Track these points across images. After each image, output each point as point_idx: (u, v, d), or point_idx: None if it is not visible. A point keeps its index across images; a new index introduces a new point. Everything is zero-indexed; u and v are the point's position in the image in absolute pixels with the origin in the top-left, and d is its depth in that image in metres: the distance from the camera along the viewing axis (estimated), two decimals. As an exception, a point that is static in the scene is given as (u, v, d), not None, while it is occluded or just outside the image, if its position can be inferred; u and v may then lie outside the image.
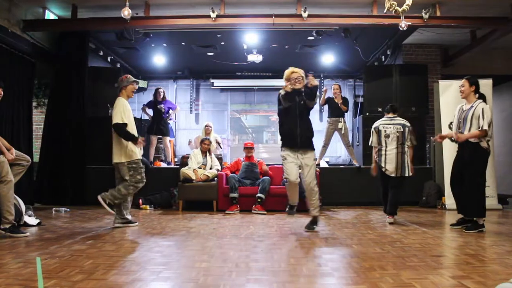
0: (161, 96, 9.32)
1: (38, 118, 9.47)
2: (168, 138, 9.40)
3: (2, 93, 4.76)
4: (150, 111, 9.49)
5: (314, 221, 5.07)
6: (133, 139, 5.19)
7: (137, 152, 5.26)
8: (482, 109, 4.88)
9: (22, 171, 4.85)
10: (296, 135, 4.89)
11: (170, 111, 9.49)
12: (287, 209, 5.31)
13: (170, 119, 9.64)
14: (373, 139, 5.91)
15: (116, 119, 5.14)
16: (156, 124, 9.18)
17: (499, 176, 8.44)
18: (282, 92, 4.91)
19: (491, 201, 7.32)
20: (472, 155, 4.88)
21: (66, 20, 7.69)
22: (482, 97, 5.10)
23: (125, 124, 5.16)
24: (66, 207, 6.93)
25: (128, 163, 5.16)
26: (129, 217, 5.38)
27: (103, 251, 3.79)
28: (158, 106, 9.19)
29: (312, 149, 5.04)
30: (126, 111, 5.23)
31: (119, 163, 5.17)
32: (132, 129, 5.26)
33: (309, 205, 5.05)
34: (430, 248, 3.91)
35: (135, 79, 5.45)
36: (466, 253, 3.70)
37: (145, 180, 5.34)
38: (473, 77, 5.16)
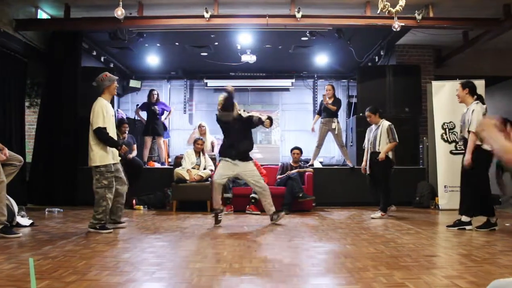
0: (155, 98, 9.32)
1: (31, 118, 9.41)
2: (162, 139, 9.38)
3: None
4: (143, 114, 9.49)
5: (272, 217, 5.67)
6: (116, 146, 5.10)
7: (111, 157, 5.07)
8: (473, 110, 4.91)
9: (14, 171, 4.79)
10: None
11: (165, 112, 9.49)
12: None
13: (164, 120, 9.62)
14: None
15: (98, 122, 4.96)
16: (151, 125, 9.19)
17: (492, 176, 8.48)
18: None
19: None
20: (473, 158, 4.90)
21: (59, 20, 7.64)
22: (480, 98, 5.11)
23: (105, 128, 5.00)
24: (59, 207, 6.88)
25: (96, 167, 4.96)
26: (120, 219, 5.31)
27: (96, 251, 3.77)
28: (152, 108, 9.19)
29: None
30: (106, 113, 5.06)
31: (91, 166, 5.04)
32: (113, 132, 5.16)
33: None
34: (423, 248, 3.93)
35: (116, 77, 5.33)
36: (459, 253, 3.73)
37: (112, 186, 5.04)
38: (467, 81, 5.17)
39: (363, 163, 6.54)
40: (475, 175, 4.94)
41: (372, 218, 6.15)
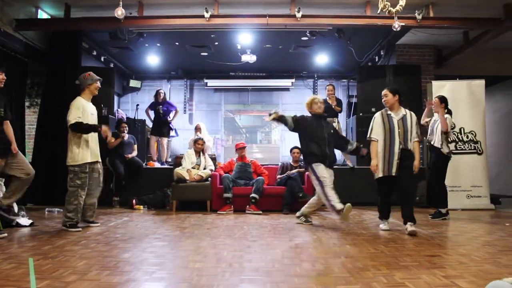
0: (161, 98, 9.35)
1: (31, 118, 9.41)
2: (166, 139, 9.45)
3: (5, 77, 4.83)
4: (151, 113, 9.54)
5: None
6: (93, 129, 5.15)
7: (88, 156, 5.14)
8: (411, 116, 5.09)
9: (17, 186, 4.96)
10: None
11: (171, 112, 9.54)
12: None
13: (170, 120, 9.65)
14: None
15: (71, 119, 5.03)
16: (157, 125, 9.24)
17: (492, 176, 8.50)
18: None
19: (483, 201, 7.39)
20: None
21: (59, 20, 7.65)
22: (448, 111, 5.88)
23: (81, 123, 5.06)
24: (59, 207, 6.88)
25: (71, 166, 5.07)
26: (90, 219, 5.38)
27: (96, 251, 3.77)
28: (158, 108, 9.22)
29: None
30: (84, 111, 5.11)
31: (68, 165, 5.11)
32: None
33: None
34: (423, 248, 3.93)
35: (99, 77, 5.35)
36: (459, 253, 3.72)
37: (86, 186, 5.14)
38: (395, 88, 5.21)
39: (377, 162, 4.97)
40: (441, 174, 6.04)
41: (411, 234, 4.71)
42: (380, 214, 5.23)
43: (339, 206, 5.18)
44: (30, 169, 5.04)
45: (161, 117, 9.23)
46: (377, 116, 5.13)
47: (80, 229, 4.97)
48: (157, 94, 9.38)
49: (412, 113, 5.09)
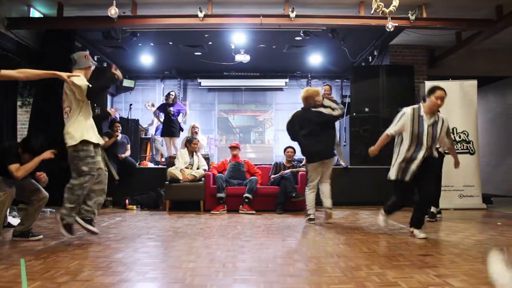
0: (171, 99, 9.42)
1: (23, 117, 9.34)
2: (177, 139, 9.53)
3: None
4: (161, 115, 9.63)
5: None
6: (112, 77, 4.46)
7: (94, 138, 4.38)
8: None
9: (35, 209, 4.46)
10: None
11: (181, 114, 9.64)
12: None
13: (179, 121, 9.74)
14: None
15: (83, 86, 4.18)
16: (168, 126, 9.30)
17: (484, 176, 8.55)
18: None
19: (475, 201, 7.43)
20: None
21: (52, 19, 7.60)
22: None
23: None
24: (51, 207, 6.84)
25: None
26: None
27: (88, 252, 3.75)
28: (168, 109, 9.30)
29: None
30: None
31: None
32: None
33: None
34: (416, 248, 3.94)
35: (95, 63, 4.69)
36: (451, 252, 3.74)
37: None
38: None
39: (400, 168, 4.47)
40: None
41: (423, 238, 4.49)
42: (386, 208, 4.82)
43: (309, 211, 5.67)
44: (42, 194, 4.56)
45: (172, 119, 9.32)
46: (407, 115, 4.50)
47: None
48: (168, 96, 9.48)
49: (445, 119, 4.58)
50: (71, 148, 4.22)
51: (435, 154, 4.58)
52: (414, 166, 4.40)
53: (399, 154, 4.52)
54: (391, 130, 4.60)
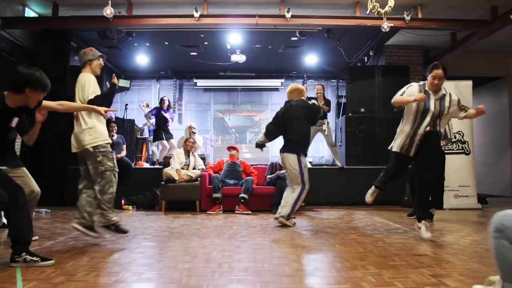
0: (166, 105, 9.56)
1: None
2: (173, 140, 9.64)
3: None
4: (153, 119, 9.72)
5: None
6: (113, 89, 4.49)
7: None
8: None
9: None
10: None
11: (170, 120, 9.76)
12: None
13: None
14: None
15: (90, 95, 4.22)
16: (163, 130, 9.39)
17: (479, 176, 8.58)
18: None
19: (471, 201, 7.46)
20: None
21: (47, 18, 7.58)
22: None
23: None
24: (47, 208, 6.82)
25: (97, 148, 4.20)
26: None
27: (84, 252, 3.74)
28: (164, 114, 9.42)
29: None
30: (96, 86, 4.32)
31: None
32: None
33: None
34: (411, 247, 3.95)
35: (102, 54, 4.49)
36: (446, 252, 3.76)
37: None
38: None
39: (405, 144, 4.43)
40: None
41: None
42: (378, 183, 4.80)
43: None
44: (34, 186, 4.21)
45: (166, 123, 9.45)
46: (415, 86, 4.46)
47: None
48: (162, 101, 9.60)
49: (453, 93, 4.52)
50: (97, 146, 4.18)
51: (441, 131, 4.49)
52: (417, 139, 4.36)
53: (403, 128, 4.48)
54: (399, 93, 4.50)
